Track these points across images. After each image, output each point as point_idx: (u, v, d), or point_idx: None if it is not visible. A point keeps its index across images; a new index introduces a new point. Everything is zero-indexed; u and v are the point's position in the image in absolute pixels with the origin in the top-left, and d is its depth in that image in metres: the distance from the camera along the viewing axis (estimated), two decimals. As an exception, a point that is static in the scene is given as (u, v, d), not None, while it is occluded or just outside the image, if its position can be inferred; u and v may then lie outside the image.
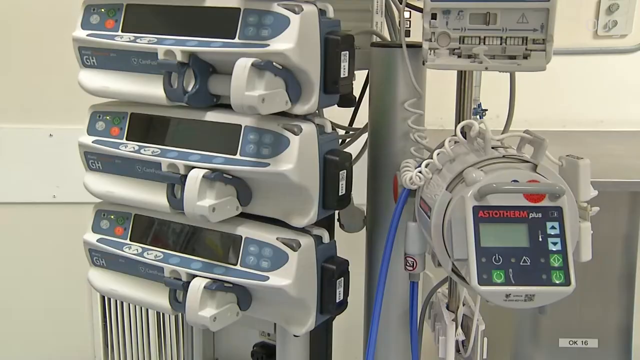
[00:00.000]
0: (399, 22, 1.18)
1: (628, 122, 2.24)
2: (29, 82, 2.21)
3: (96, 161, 1.07)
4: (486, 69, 0.93)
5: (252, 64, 0.85)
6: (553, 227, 0.79)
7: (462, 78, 1.05)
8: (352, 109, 1.24)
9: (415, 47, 1.04)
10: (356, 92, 1.09)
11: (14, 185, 2.27)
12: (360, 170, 1.16)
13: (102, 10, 1.01)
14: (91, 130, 1.06)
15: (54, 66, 2.15)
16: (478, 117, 1.14)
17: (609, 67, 2.24)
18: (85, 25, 1.02)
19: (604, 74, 2.24)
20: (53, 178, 2.26)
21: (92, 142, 1.05)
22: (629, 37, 2.19)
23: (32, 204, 2.29)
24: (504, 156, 0.87)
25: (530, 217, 0.79)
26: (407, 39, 1.06)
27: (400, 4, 1.19)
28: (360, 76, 1.15)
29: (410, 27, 1.49)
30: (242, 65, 0.85)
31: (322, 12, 0.92)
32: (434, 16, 0.95)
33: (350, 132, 1.29)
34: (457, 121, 1.05)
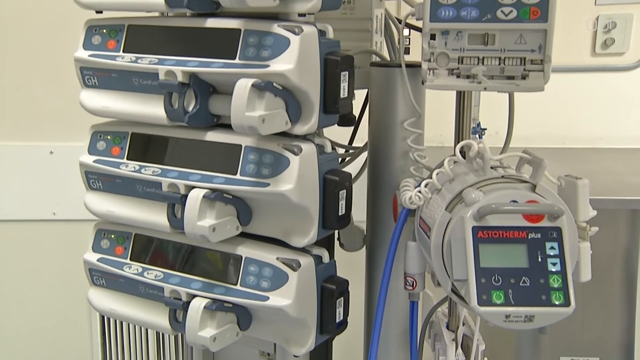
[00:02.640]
0: (398, 41, 1.19)
1: (627, 139, 2.25)
2: (29, 100, 2.22)
3: (97, 181, 1.07)
4: (485, 89, 0.93)
5: (253, 85, 0.86)
6: (552, 248, 0.79)
7: (461, 98, 1.06)
8: (352, 127, 1.25)
9: (414, 66, 1.05)
10: (356, 111, 1.09)
11: (14, 203, 2.27)
12: (360, 189, 1.17)
13: (104, 30, 1.02)
14: (92, 150, 1.07)
15: (54, 83, 2.17)
16: (477, 136, 1.14)
17: (608, 84, 2.25)
18: (87, 45, 1.03)
19: (602, 91, 2.26)
20: (53, 195, 2.26)
21: (93, 161, 1.05)
22: (626, 55, 2.21)
23: (32, 221, 2.30)
24: (503, 176, 0.88)
25: (529, 237, 0.79)
26: (407, 57, 1.07)
27: (400, 23, 1.19)
28: (360, 95, 1.16)
29: (409, 44, 1.50)
30: (243, 86, 0.86)
31: (321, 33, 0.93)
32: (432, 37, 0.96)
33: (350, 151, 1.29)
34: (457, 141, 1.06)
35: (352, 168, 1.26)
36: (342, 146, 1.30)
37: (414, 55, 1.02)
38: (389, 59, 1.21)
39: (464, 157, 0.94)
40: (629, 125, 2.26)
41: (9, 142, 2.25)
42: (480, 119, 1.80)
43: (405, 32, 1.49)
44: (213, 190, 0.94)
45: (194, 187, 0.95)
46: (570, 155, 2.18)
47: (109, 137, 1.05)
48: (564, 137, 2.31)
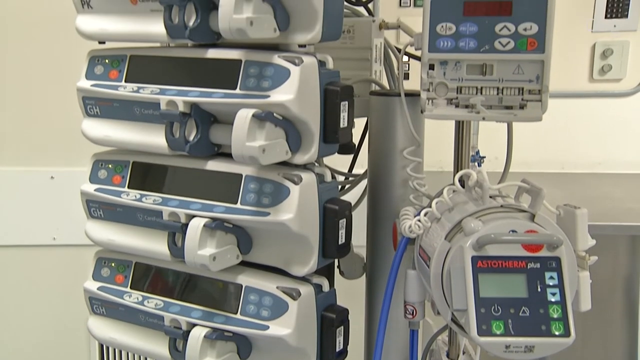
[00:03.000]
0: (398, 70, 1.20)
1: (626, 164, 2.26)
2: (30, 125, 2.24)
3: (98, 209, 1.08)
4: (483, 119, 0.94)
5: (253, 115, 0.87)
6: (552, 278, 0.79)
7: (460, 126, 1.07)
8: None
9: (413, 95, 1.06)
10: (355, 139, 1.10)
11: (14, 228, 2.27)
12: (360, 214, 1.17)
13: (107, 61, 1.03)
14: (93, 179, 1.07)
15: (55, 108, 2.18)
16: (476, 164, 1.15)
17: (606, 110, 2.27)
18: (89, 75, 1.04)
19: (601, 117, 2.27)
20: (53, 220, 2.26)
21: (94, 190, 1.06)
22: (624, 81, 2.22)
23: (32, 246, 2.29)
24: (502, 206, 0.88)
25: (528, 267, 0.79)
26: (406, 82, 1.08)
27: (399, 52, 1.21)
28: (360, 123, 1.17)
29: (409, 69, 1.51)
30: (243, 116, 0.87)
31: (321, 64, 0.94)
32: (431, 67, 0.97)
33: (350, 178, 1.30)
34: (456, 169, 1.06)
35: (352, 195, 1.27)
36: (342, 173, 1.30)
37: (413, 81, 1.03)
38: (388, 87, 1.22)
39: (463, 186, 0.94)
40: (627, 150, 2.27)
41: (9, 168, 2.25)
42: (479, 144, 1.81)
43: (405, 57, 1.50)
44: (214, 219, 0.94)
45: (194, 216, 0.95)
46: (570, 180, 2.19)
47: (110, 166, 1.06)
48: (563, 162, 2.32)
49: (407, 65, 1.33)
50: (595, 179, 2.18)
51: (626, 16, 2.17)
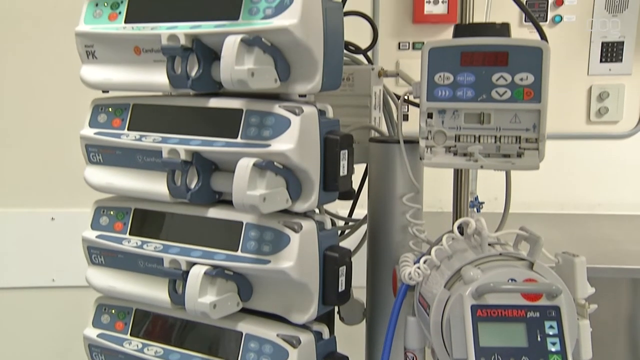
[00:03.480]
0: (397, 117, 1.22)
1: (625, 206, 2.27)
2: (31, 166, 2.25)
3: (99, 256, 1.08)
4: (481, 167, 0.95)
5: (254, 164, 0.88)
6: (551, 327, 0.79)
7: (459, 173, 1.08)
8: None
9: (412, 142, 1.07)
10: (355, 184, 1.11)
11: (13, 270, 2.27)
12: (360, 258, 1.17)
13: (110, 109, 1.05)
14: (95, 225, 1.08)
15: (56, 150, 2.20)
16: (475, 210, 1.16)
17: (604, 152, 2.29)
18: (92, 123, 1.06)
19: (599, 158, 2.29)
20: (53, 262, 2.26)
21: (96, 237, 1.06)
22: (620, 123, 2.25)
23: (31, 288, 2.29)
24: (500, 254, 0.89)
25: (528, 316, 0.80)
26: (405, 123, 1.09)
27: (398, 99, 1.23)
28: (359, 168, 1.18)
29: (408, 110, 1.53)
30: (244, 165, 0.88)
31: (321, 113, 0.95)
32: (430, 115, 0.98)
33: (350, 223, 1.30)
34: (455, 215, 1.07)
35: (352, 240, 1.28)
36: (342, 218, 1.31)
37: (413, 122, 1.04)
38: (387, 134, 1.24)
39: (462, 234, 0.95)
40: (626, 192, 2.28)
41: (10, 209, 2.26)
42: (478, 184, 1.82)
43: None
44: (214, 266, 0.94)
45: (195, 264, 0.96)
46: (569, 221, 2.20)
47: (112, 213, 1.07)
48: (562, 203, 2.33)
49: (407, 107, 1.35)
50: (594, 220, 2.18)
51: (620, 60, 2.20)
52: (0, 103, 2.23)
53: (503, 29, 0.99)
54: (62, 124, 2.13)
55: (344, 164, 0.96)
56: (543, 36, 0.97)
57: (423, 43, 2.27)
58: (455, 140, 0.98)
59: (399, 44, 2.29)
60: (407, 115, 1.75)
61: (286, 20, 0.88)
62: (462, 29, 1.03)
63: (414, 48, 2.28)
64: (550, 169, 2.19)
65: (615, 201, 2.29)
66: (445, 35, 2.26)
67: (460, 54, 0.96)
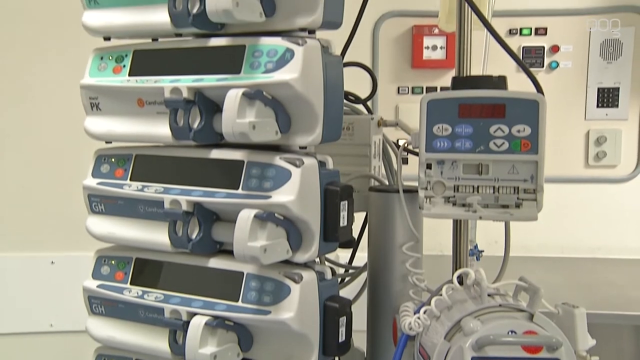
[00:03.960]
0: (396, 166, 1.23)
1: (626, 250, 2.27)
2: (31, 210, 2.26)
3: (99, 305, 1.08)
4: (480, 218, 0.96)
5: (255, 216, 0.89)
6: (553, 380, 0.79)
7: (458, 221, 1.09)
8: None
9: (411, 191, 1.08)
10: (355, 232, 1.11)
11: (11, 315, 2.26)
12: (360, 305, 1.17)
13: (113, 160, 1.06)
14: (96, 275, 1.08)
15: (56, 193, 2.21)
16: (475, 258, 1.16)
17: (603, 195, 2.30)
18: (95, 173, 1.07)
19: (598, 202, 2.30)
20: (51, 306, 2.25)
21: (97, 286, 1.07)
22: (619, 167, 2.27)
23: (29, 334, 2.27)
24: (500, 305, 0.89)
25: (529, 369, 0.80)
26: (405, 167, 1.10)
27: (397, 148, 1.24)
28: (359, 216, 1.19)
29: (407, 154, 1.53)
30: (245, 217, 0.89)
31: (321, 164, 0.96)
32: (429, 166, 1.00)
33: (350, 271, 1.31)
34: (454, 264, 1.08)
35: (353, 287, 1.28)
36: (342, 266, 1.31)
37: (412, 166, 1.05)
38: (387, 182, 1.25)
39: (462, 283, 0.95)
40: (626, 235, 2.29)
41: (10, 254, 2.26)
42: (478, 227, 1.83)
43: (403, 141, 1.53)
44: (215, 317, 0.94)
45: (196, 314, 0.96)
46: (570, 265, 2.19)
47: (113, 262, 1.07)
48: (562, 247, 2.33)
49: (406, 152, 1.36)
50: (595, 264, 2.18)
51: (617, 106, 2.23)
52: (2, 145, 2.25)
53: (500, 82, 1.01)
54: (64, 169, 2.15)
55: (344, 214, 0.97)
56: (539, 89, 0.99)
57: (422, 87, 2.31)
58: (454, 191, 0.99)
59: (398, 88, 2.32)
60: (407, 158, 1.77)
61: (287, 74, 0.90)
62: (460, 82, 1.06)
63: (413, 92, 2.31)
64: (550, 212, 2.19)
65: (616, 245, 2.29)
66: (444, 80, 2.29)
67: (458, 105, 0.98)
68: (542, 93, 0.97)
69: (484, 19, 1.00)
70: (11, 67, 2.23)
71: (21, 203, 2.26)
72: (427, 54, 2.28)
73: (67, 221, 2.06)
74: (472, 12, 1.05)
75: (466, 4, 1.06)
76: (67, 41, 2.12)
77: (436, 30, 2.23)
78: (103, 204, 1.07)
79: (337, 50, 1.02)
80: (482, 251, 1.17)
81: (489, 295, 0.91)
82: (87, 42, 1.08)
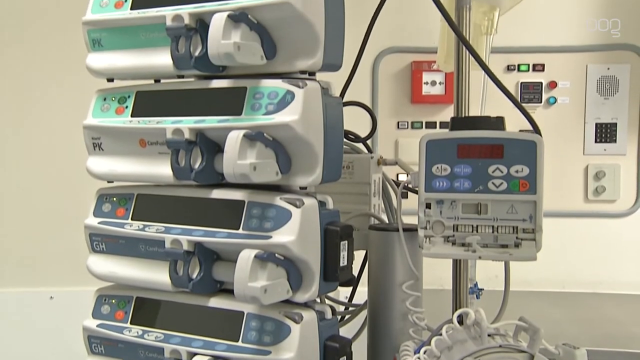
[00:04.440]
0: (396, 204, 1.24)
1: (627, 285, 2.27)
2: (29, 244, 2.26)
3: (99, 345, 1.08)
4: (480, 258, 0.96)
5: (255, 256, 0.89)
6: (554, 423, 0.79)
7: (458, 260, 1.09)
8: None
9: (411, 230, 1.09)
10: (355, 269, 1.12)
11: (9, 352, 2.24)
12: (361, 345, 1.17)
13: (114, 199, 1.07)
14: (96, 314, 1.08)
15: (55, 227, 2.21)
16: (475, 296, 1.16)
17: (603, 230, 2.30)
18: (97, 213, 1.08)
19: (599, 236, 2.30)
20: (50, 342, 2.24)
21: (97, 326, 1.06)
22: (618, 202, 2.27)
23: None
24: (500, 345, 0.89)
25: (530, 412, 0.79)
26: (405, 200, 1.10)
27: (397, 186, 1.25)
28: (359, 254, 1.19)
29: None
30: (246, 257, 0.89)
31: (322, 204, 0.97)
32: (428, 205, 1.01)
33: (350, 309, 1.31)
34: (454, 304, 1.08)
35: (353, 325, 1.28)
36: (342, 303, 1.31)
37: (412, 200, 1.06)
38: (387, 221, 1.25)
39: (462, 322, 0.95)
40: (627, 270, 2.28)
41: (8, 289, 2.25)
42: (479, 260, 1.82)
43: (403, 177, 1.54)
44: (215, 357, 0.94)
45: (196, 354, 0.96)
46: (571, 300, 2.19)
47: (113, 301, 1.07)
48: (563, 281, 2.32)
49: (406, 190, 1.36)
50: (596, 299, 2.17)
51: (615, 141, 2.25)
52: (2, 179, 2.26)
53: (498, 122, 1.03)
54: (64, 204, 2.16)
55: (344, 254, 0.97)
56: (536, 129, 1.00)
57: (421, 122, 2.33)
58: (454, 230, 1.00)
59: (398, 123, 2.34)
60: (407, 193, 1.77)
61: (287, 116, 0.91)
62: (459, 122, 1.07)
63: (412, 127, 2.34)
64: (550, 247, 2.19)
65: (617, 280, 2.28)
66: (443, 115, 2.32)
67: (457, 146, 0.99)
68: (540, 134, 0.99)
69: (481, 61, 1.02)
70: (13, 105, 2.26)
71: (20, 236, 2.26)
72: (426, 90, 2.31)
73: (66, 255, 2.07)
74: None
75: (464, 47, 1.08)
76: (67, 84, 2.15)
77: (435, 66, 2.26)
78: (104, 243, 1.07)
79: (337, 89, 1.03)
80: (482, 289, 1.17)
81: (489, 335, 0.91)
82: (90, 86, 1.09)
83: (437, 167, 1.00)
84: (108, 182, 1.08)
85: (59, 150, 2.21)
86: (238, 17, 0.90)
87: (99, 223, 1.06)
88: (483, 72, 1.06)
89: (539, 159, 0.96)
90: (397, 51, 2.32)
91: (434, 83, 2.30)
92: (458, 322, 0.95)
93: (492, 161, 0.97)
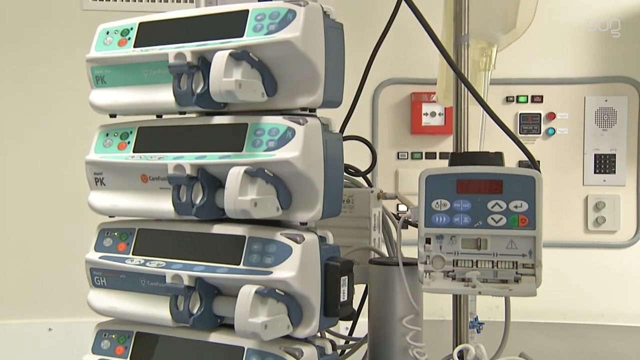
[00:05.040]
0: (396, 238, 1.24)
1: (629, 316, 2.26)
2: (29, 276, 2.25)
3: (100, 381, 1.07)
4: (480, 293, 0.97)
5: (256, 292, 0.89)
6: None
7: (458, 294, 1.09)
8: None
9: (411, 264, 1.09)
10: (355, 303, 1.11)
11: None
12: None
13: (115, 234, 1.08)
14: (96, 349, 1.08)
15: (54, 257, 2.21)
16: (475, 330, 1.16)
17: (604, 261, 2.30)
18: (98, 247, 1.08)
19: (600, 267, 2.30)
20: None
21: (96, 362, 1.06)
22: (619, 233, 2.27)
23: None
24: (502, 383, 0.89)
25: None
26: (404, 231, 1.10)
27: (397, 219, 1.25)
28: (359, 287, 1.19)
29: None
30: (247, 293, 0.89)
31: (322, 239, 0.98)
32: (428, 240, 1.01)
33: (351, 342, 1.30)
34: (455, 339, 1.08)
35: (353, 359, 1.27)
36: (342, 337, 1.31)
37: (412, 232, 1.06)
38: (387, 254, 1.26)
39: (462, 358, 0.95)
40: (630, 302, 2.28)
41: (6, 321, 2.24)
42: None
43: (403, 206, 1.54)
44: (215, 394, 0.94)
45: (195, 391, 0.95)
46: (572, 331, 2.17)
47: (113, 337, 1.07)
48: (565, 312, 2.31)
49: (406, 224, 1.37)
50: (598, 331, 2.16)
51: (614, 172, 2.26)
52: (2, 210, 2.27)
53: (497, 158, 1.04)
54: (64, 237, 2.16)
55: (344, 289, 0.97)
56: (535, 165, 1.01)
57: (421, 153, 2.34)
58: (454, 265, 1.00)
59: (398, 153, 2.35)
60: (407, 223, 1.78)
61: (288, 152, 0.92)
62: (458, 157, 1.08)
63: (412, 158, 2.35)
64: (551, 278, 2.18)
65: (619, 311, 2.27)
66: (443, 146, 2.33)
67: (456, 181, 1.00)
68: (538, 169, 1.00)
69: (480, 97, 1.04)
70: (13, 142, 2.28)
71: (19, 268, 2.26)
72: (425, 120, 2.32)
73: (65, 286, 2.06)
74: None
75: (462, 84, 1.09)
76: (68, 118, 2.17)
77: (434, 97, 2.28)
78: (105, 277, 1.07)
79: (338, 121, 1.04)
80: (483, 323, 1.17)
81: (490, 371, 0.91)
82: (93, 121, 1.10)
83: (437, 202, 1.01)
84: (109, 217, 1.08)
85: (60, 183, 2.22)
86: (239, 55, 0.92)
87: (100, 258, 1.07)
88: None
89: (538, 195, 0.97)
90: (397, 82, 2.34)
91: (433, 114, 2.31)
92: (458, 357, 0.95)
93: (492, 196, 0.98)
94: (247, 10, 0.96)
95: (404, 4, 1.11)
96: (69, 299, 2.16)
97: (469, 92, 1.08)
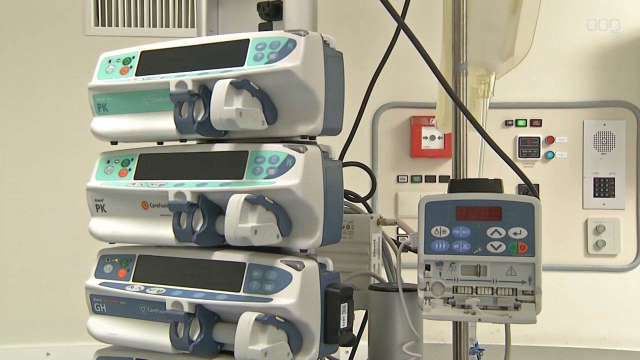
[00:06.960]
0: (396, 264, 1.24)
1: (631, 341, 2.25)
2: (27, 301, 2.25)
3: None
4: (479, 320, 0.97)
5: (256, 319, 0.89)
6: None
7: (458, 321, 1.09)
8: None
9: (411, 290, 1.09)
10: (355, 328, 1.11)
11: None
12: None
13: (116, 260, 1.08)
14: (95, 378, 1.08)
15: (52, 279, 2.20)
16: (476, 357, 1.16)
17: (605, 284, 2.30)
18: (98, 274, 1.08)
19: (601, 291, 2.30)
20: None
21: (96, 389, 1.06)
22: (619, 257, 2.27)
23: None
24: (502, 411, 0.88)
25: None
26: (404, 255, 1.10)
27: (397, 245, 1.26)
28: (359, 313, 1.18)
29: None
30: (247, 320, 0.89)
31: (322, 266, 0.98)
32: (427, 267, 1.01)
33: (351, 369, 1.30)
34: (455, 364, 1.07)
35: (354, 385, 1.26)
36: (343, 363, 1.30)
37: (412, 255, 1.06)
38: (387, 280, 1.26)
39: (464, 386, 0.95)
40: (631, 326, 2.27)
41: (5, 346, 2.23)
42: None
43: (402, 231, 1.54)
44: (214, 421, 0.94)
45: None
46: (574, 356, 2.17)
47: (113, 364, 1.07)
48: (566, 337, 2.31)
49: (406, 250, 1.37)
50: (600, 356, 2.15)
51: (613, 195, 2.27)
52: (2, 237, 2.27)
53: (496, 184, 1.04)
54: (64, 262, 2.16)
55: (344, 316, 0.97)
56: (534, 192, 1.02)
57: (421, 176, 2.35)
58: (453, 292, 1.00)
59: (398, 177, 2.36)
60: (409, 247, 1.78)
61: (288, 180, 0.92)
62: (457, 184, 1.08)
63: (412, 181, 2.35)
64: (552, 301, 2.17)
65: (621, 336, 2.27)
66: (442, 169, 2.34)
67: (455, 208, 1.00)
68: (537, 196, 1.00)
69: (479, 125, 1.04)
70: (15, 162, 2.28)
71: (17, 292, 2.25)
72: (425, 144, 2.33)
73: (64, 310, 2.06)
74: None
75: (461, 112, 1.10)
76: (70, 145, 2.19)
77: (434, 121, 2.30)
78: (105, 304, 1.07)
79: (338, 146, 1.04)
80: (483, 350, 1.17)
81: (490, 399, 0.91)
82: (94, 148, 1.11)
83: (437, 229, 1.01)
84: (110, 243, 1.09)
85: (61, 209, 2.22)
86: (240, 84, 0.93)
87: (100, 284, 1.07)
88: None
89: (537, 221, 0.97)
90: (396, 106, 2.35)
91: (432, 137, 2.33)
92: (459, 385, 0.94)
93: (491, 223, 0.98)
94: (248, 40, 0.97)
95: (402, 33, 1.12)
96: (67, 324, 2.15)
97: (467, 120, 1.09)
